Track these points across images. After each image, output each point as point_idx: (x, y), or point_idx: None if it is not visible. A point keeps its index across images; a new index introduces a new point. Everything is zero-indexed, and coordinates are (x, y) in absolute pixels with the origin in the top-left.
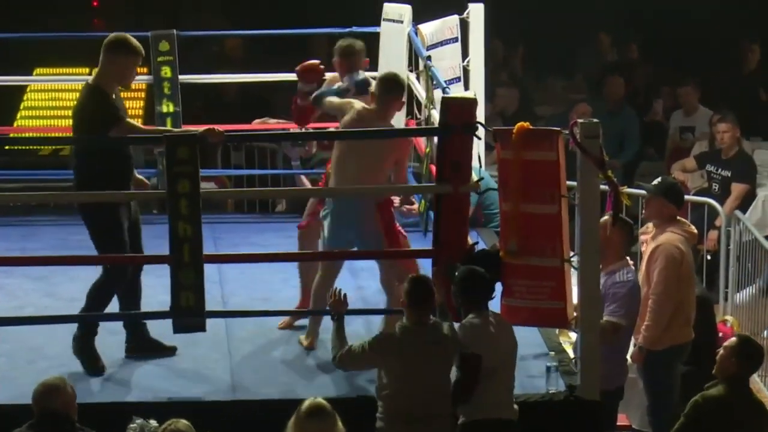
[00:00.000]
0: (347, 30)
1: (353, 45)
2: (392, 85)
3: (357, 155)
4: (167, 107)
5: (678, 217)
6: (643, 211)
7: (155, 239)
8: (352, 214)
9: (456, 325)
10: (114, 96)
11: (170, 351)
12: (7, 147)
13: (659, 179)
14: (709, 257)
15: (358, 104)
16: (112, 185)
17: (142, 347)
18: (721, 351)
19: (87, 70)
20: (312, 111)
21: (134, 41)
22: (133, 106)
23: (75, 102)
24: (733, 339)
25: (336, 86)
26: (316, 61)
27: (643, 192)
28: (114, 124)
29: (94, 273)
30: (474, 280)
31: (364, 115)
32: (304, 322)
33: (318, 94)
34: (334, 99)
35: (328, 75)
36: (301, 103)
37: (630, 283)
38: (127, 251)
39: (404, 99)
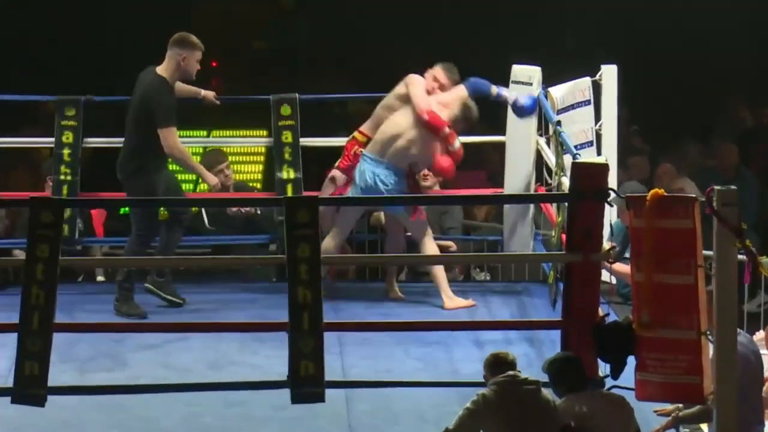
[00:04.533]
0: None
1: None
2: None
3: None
4: (287, 174)
5: None
6: None
7: (273, 309)
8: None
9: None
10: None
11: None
12: (122, 212)
13: None
14: None
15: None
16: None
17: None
18: None
19: (205, 132)
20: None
21: (196, 38)
22: (252, 170)
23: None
24: None
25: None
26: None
27: None
28: (170, 125)
29: (210, 341)
30: (562, 367)
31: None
32: None
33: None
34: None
35: None
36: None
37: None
38: (157, 220)
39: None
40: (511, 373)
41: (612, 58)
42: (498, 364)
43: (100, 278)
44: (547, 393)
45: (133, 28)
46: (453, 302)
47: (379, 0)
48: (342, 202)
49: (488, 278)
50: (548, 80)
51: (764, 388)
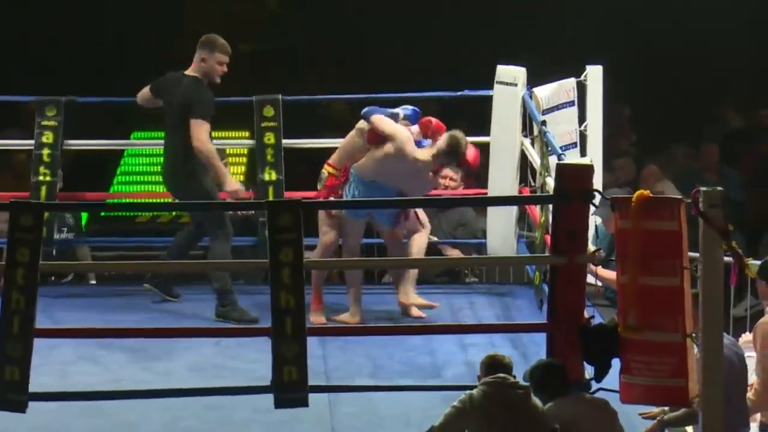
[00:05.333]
0: (458, 94)
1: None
2: (454, 151)
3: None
4: (269, 175)
5: None
6: None
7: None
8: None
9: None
10: None
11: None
12: (102, 214)
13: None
14: None
15: (410, 146)
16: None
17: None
18: None
19: None
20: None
21: (223, 41)
22: (235, 171)
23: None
24: None
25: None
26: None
27: None
28: (203, 119)
29: (193, 344)
30: (544, 373)
31: (410, 162)
32: None
33: (368, 109)
34: (386, 120)
35: None
36: None
37: None
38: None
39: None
40: (501, 375)
41: (612, 58)
42: (493, 366)
43: (92, 282)
44: (536, 399)
45: (133, 28)
46: (410, 299)
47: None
48: (325, 206)
49: (476, 280)
50: (533, 80)
51: (749, 393)
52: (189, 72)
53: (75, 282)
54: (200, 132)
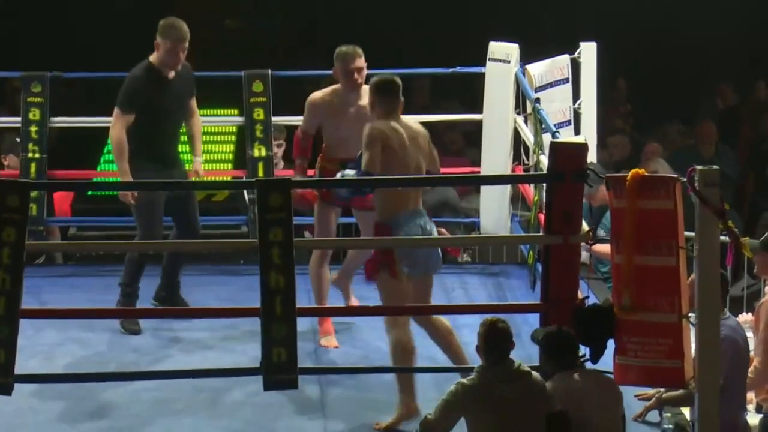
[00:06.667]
0: (450, 70)
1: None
2: (385, 86)
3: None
4: (259, 151)
5: None
6: None
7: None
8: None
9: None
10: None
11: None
12: (89, 193)
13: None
14: None
15: (375, 128)
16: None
17: (167, 299)
18: None
19: None
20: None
21: (178, 26)
22: (224, 149)
23: None
24: None
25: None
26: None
27: None
28: (120, 109)
29: (181, 325)
30: (557, 343)
31: (387, 132)
32: None
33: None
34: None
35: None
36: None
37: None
38: (158, 224)
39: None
40: (498, 357)
41: (604, 37)
42: (492, 338)
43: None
44: (536, 377)
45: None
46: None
47: None
48: (314, 185)
49: (468, 260)
50: (526, 57)
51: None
52: (151, 56)
53: (47, 263)
54: (114, 121)
